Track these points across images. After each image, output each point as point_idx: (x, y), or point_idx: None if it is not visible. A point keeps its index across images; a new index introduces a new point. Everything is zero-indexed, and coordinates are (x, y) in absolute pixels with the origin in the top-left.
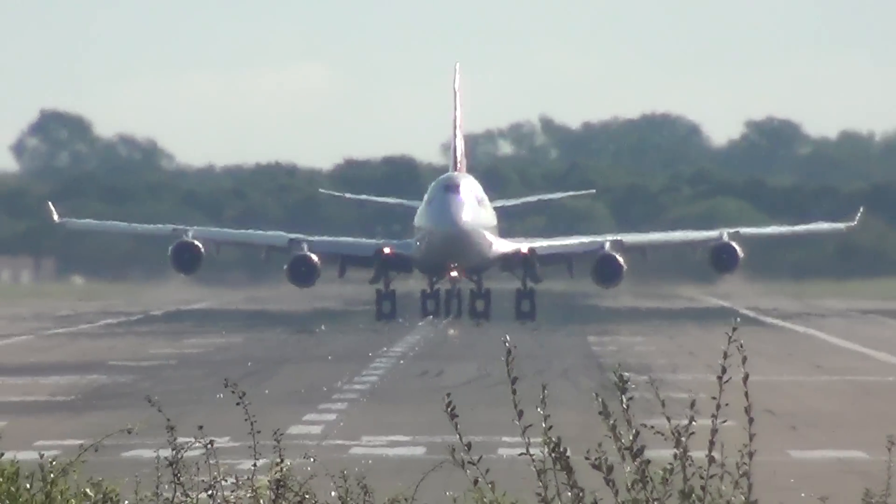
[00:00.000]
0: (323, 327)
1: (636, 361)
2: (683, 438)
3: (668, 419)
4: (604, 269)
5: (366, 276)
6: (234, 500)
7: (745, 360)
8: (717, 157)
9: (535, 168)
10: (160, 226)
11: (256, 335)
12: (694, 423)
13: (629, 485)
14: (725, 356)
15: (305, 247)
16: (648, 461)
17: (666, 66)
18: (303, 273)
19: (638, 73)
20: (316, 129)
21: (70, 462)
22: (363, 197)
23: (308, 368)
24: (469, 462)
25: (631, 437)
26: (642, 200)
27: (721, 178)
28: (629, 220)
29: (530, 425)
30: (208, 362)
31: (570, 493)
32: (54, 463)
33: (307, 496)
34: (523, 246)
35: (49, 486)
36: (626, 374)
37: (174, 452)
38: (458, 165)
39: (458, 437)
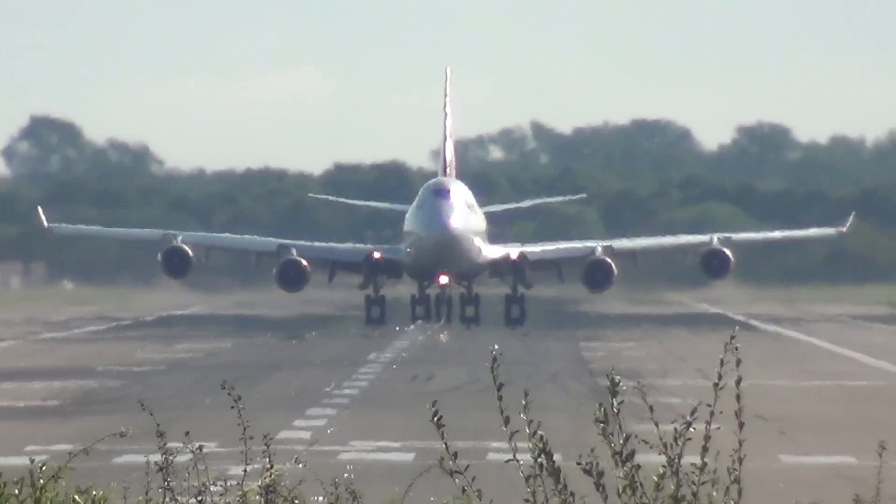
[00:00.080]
0: (314, 333)
1: (626, 367)
2: (679, 443)
3: (657, 424)
4: (594, 275)
5: (355, 281)
6: None
7: (739, 363)
8: (708, 162)
9: (525, 173)
10: (150, 231)
11: (246, 340)
12: (692, 429)
13: (619, 490)
14: (722, 363)
15: (295, 252)
16: (638, 466)
17: (657, 71)
18: (292, 277)
19: (629, 78)
20: (306, 134)
21: (59, 468)
22: (352, 201)
23: (297, 373)
24: (456, 472)
25: (621, 442)
26: (633, 205)
27: (712, 183)
28: (620, 225)
29: (517, 431)
30: (198, 367)
31: (557, 499)
32: (44, 468)
33: (296, 501)
34: (513, 251)
35: (38, 493)
36: (618, 378)
37: (164, 458)
38: (448, 170)
39: (444, 445)
